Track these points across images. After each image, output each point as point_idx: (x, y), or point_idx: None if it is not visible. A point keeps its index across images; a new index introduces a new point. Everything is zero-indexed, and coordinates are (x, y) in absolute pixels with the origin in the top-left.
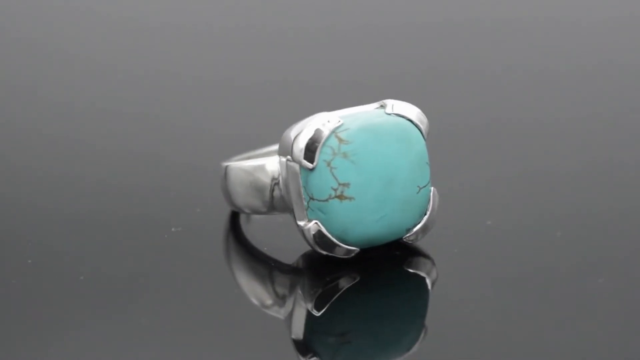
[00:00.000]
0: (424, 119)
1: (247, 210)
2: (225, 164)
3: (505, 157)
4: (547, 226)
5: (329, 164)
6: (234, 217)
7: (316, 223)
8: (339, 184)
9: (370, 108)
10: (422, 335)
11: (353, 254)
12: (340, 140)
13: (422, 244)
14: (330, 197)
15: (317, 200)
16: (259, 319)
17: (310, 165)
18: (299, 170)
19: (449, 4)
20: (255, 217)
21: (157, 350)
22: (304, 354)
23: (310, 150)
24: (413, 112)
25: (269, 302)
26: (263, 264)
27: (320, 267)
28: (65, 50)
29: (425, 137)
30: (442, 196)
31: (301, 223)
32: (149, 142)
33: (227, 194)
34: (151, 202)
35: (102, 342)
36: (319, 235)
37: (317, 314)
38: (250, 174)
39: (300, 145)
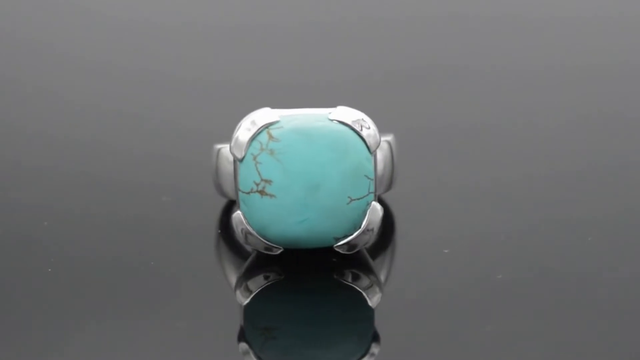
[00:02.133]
0: (372, 132)
1: (231, 197)
2: (218, 146)
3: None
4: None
5: (255, 158)
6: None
7: (239, 214)
8: (262, 180)
9: (323, 112)
10: (351, 343)
11: (277, 252)
12: (271, 137)
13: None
14: (252, 191)
15: (242, 191)
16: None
17: (238, 156)
18: (232, 159)
19: (448, 3)
20: None
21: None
22: (239, 339)
23: (240, 142)
24: (359, 122)
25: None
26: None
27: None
28: (59, 48)
29: (372, 150)
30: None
31: (233, 212)
32: (147, 139)
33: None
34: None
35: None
36: (241, 226)
37: (241, 303)
38: (226, 158)
39: (234, 135)
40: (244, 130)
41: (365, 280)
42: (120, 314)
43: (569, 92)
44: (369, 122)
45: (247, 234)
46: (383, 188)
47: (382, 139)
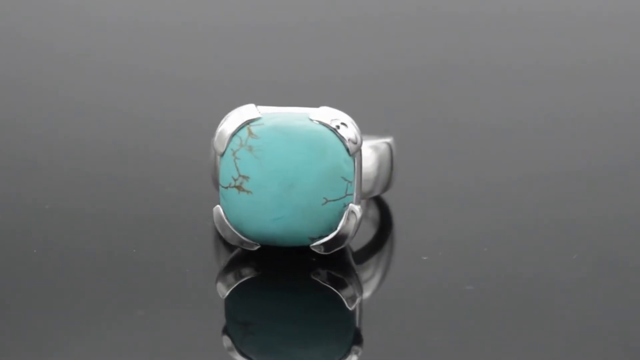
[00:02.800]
0: (353, 135)
1: None
2: None
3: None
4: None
5: (234, 154)
6: None
7: (219, 208)
8: (239, 175)
9: (305, 111)
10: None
11: (254, 248)
12: (250, 133)
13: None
14: (230, 186)
15: (221, 186)
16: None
17: (219, 150)
18: (214, 153)
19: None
20: None
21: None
22: (222, 332)
23: (222, 137)
24: (340, 124)
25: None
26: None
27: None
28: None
29: (352, 152)
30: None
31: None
32: (145, 137)
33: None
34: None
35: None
36: (219, 220)
37: (221, 296)
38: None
39: (217, 129)
40: (226, 125)
41: (343, 282)
42: (106, 306)
43: (568, 92)
44: (351, 124)
45: (225, 228)
46: (380, 189)
47: (382, 140)
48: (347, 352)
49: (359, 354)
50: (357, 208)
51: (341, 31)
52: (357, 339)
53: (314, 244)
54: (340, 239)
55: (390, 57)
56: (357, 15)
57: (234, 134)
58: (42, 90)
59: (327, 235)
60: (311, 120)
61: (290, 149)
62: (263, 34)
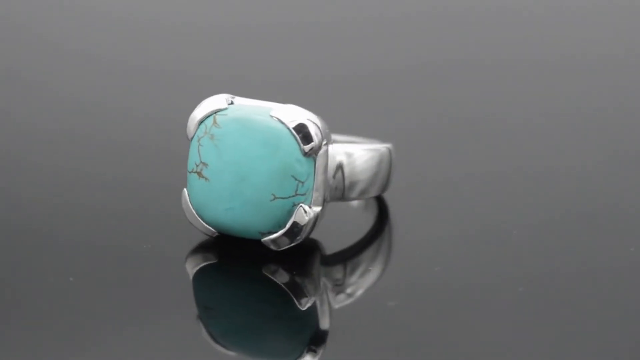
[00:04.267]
0: (311, 136)
1: None
2: None
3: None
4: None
5: (199, 140)
6: None
7: (185, 191)
8: (200, 162)
9: (272, 106)
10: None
11: (213, 235)
12: (215, 122)
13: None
14: (192, 171)
15: (187, 170)
16: None
17: (189, 136)
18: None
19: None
20: None
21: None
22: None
23: (192, 122)
24: (299, 125)
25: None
26: None
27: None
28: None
29: (306, 153)
30: None
31: None
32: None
33: None
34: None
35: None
36: (184, 203)
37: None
38: None
39: (190, 115)
40: (197, 112)
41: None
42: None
43: (569, 88)
44: (312, 125)
45: (188, 212)
46: (376, 190)
47: (383, 145)
48: (302, 351)
49: (317, 354)
50: (310, 208)
51: (340, 31)
52: (317, 340)
53: (264, 239)
54: (288, 237)
55: (390, 57)
56: (357, 15)
57: (201, 121)
58: (27, 83)
59: (276, 232)
60: (271, 116)
61: (246, 143)
62: (262, 33)
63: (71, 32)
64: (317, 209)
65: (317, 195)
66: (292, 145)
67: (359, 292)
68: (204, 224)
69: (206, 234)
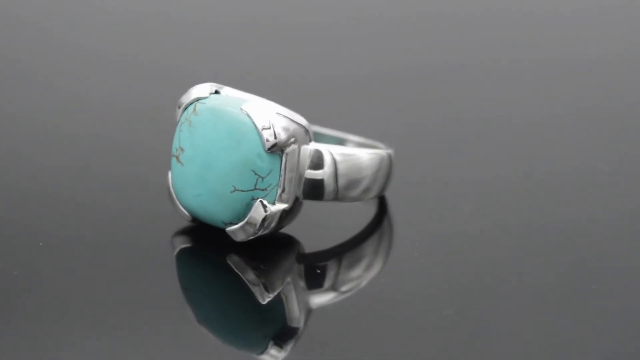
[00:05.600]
0: (276, 132)
1: None
2: None
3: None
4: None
5: (181, 125)
6: None
7: (169, 173)
8: (179, 146)
9: (249, 99)
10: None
11: (187, 219)
12: (194, 110)
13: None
14: (173, 155)
15: (171, 152)
16: None
17: (176, 119)
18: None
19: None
20: None
21: None
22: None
23: (179, 108)
24: (265, 121)
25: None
26: None
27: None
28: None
29: (267, 149)
30: None
31: None
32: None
33: None
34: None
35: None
36: (167, 185)
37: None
38: None
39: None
40: (184, 98)
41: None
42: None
43: (567, 89)
44: (283, 122)
45: (169, 194)
46: (375, 192)
47: (385, 151)
48: (265, 346)
49: (279, 352)
50: (274, 205)
51: (340, 30)
52: (283, 335)
53: (227, 229)
54: (245, 230)
55: (390, 56)
56: (357, 14)
57: (185, 107)
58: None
59: (235, 224)
60: (241, 109)
61: (215, 133)
62: (263, 33)
63: (64, 24)
64: (282, 206)
65: (282, 192)
66: (255, 139)
67: (341, 292)
68: (180, 207)
69: (183, 218)
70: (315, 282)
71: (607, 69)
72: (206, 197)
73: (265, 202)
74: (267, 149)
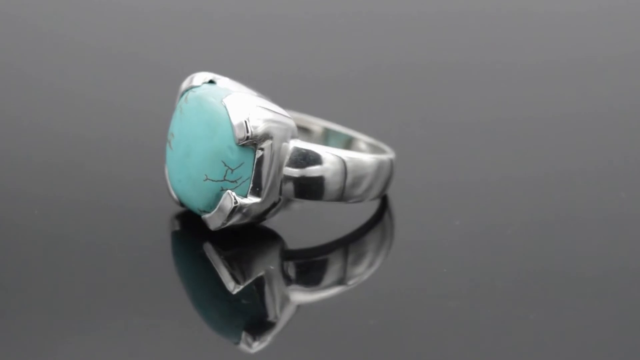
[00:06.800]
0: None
1: None
2: None
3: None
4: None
5: (174, 112)
6: None
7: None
8: (171, 131)
9: (239, 91)
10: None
11: (176, 203)
12: (186, 98)
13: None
14: (167, 140)
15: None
16: None
17: (175, 105)
18: None
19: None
20: None
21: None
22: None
23: (178, 94)
24: (241, 114)
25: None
26: None
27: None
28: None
29: (238, 141)
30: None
31: None
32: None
33: None
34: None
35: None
36: (164, 169)
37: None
38: None
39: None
40: (183, 86)
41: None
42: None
43: (565, 90)
44: (258, 116)
45: (166, 177)
46: (374, 193)
47: (386, 157)
48: (240, 337)
49: (256, 342)
50: (245, 197)
51: (340, 30)
52: (257, 328)
53: (202, 216)
54: (213, 220)
55: (390, 56)
56: (356, 14)
57: (180, 95)
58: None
59: (207, 212)
60: (222, 101)
61: (196, 122)
62: (262, 33)
63: (64, 24)
64: (255, 199)
65: (254, 186)
66: (228, 131)
67: (330, 288)
68: (171, 190)
69: (173, 200)
70: (299, 278)
71: (607, 69)
72: (185, 183)
73: (233, 194)
74: (237, 142)
